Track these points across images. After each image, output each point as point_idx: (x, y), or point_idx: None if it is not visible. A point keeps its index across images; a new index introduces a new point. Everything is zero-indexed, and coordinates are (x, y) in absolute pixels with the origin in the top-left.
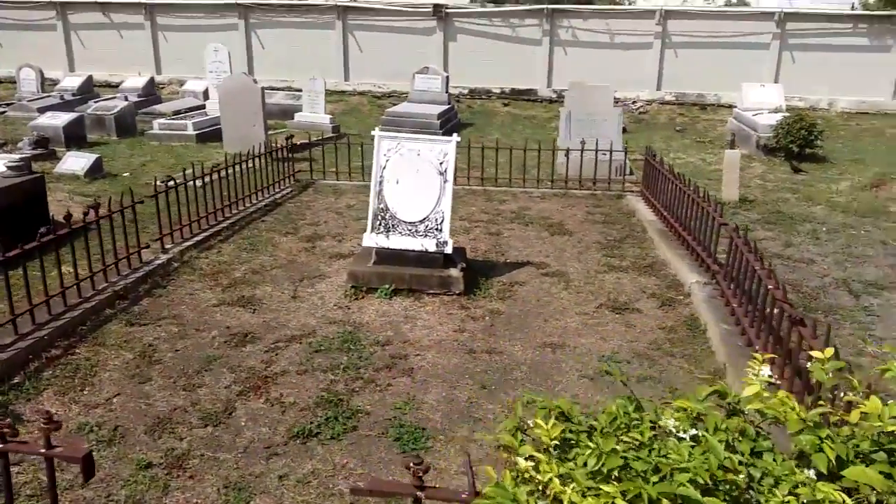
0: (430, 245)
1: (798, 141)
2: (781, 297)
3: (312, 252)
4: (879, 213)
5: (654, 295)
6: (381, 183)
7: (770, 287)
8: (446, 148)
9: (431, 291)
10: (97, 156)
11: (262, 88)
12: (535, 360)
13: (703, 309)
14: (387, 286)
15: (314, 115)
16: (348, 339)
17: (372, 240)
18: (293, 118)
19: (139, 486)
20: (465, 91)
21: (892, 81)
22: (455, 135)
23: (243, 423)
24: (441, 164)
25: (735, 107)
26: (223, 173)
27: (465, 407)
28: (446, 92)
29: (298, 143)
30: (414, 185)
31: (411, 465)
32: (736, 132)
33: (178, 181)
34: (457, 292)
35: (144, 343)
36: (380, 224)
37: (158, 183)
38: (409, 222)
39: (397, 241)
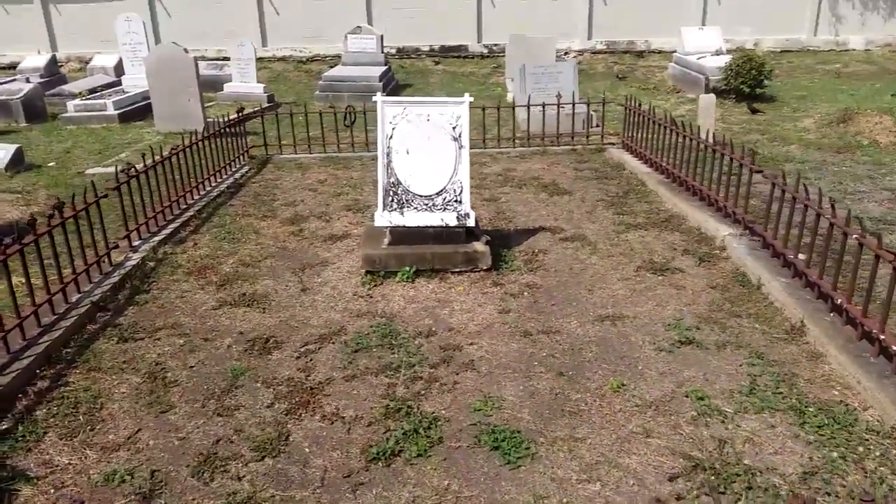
0: (450, 219)
1: (749, 82)
2: (872, 242)
3: (302, 236)
4: (854, 148)
5: (688, 251)
6: (388, 154)
7: (856, 235)
8: (458, 110)
9: (456, 270)
10: (17, 146)
11: (196, 59)
12: (599, 336)
13: (750, 263)
14: (407, 268)
15: (246, 84)
16: (386, 333)
17: (385, 219)
18: (222, 89)
19: None
20: (393, 50)
21: (812, 18)
22: (467, 95)
23: (307, 449)
24: (454, 128)
25: (675, 52)
26: (183, 155)
27: (550, 400)
28: (381, 52)
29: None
30: (426, 155)
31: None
32: (680, 77)
33: (139, 169)
34: (484, 268)
35: (149, 361)
36: (392, 200)
37: (119, 172)
38: (425, 196)
39: (413, 218)
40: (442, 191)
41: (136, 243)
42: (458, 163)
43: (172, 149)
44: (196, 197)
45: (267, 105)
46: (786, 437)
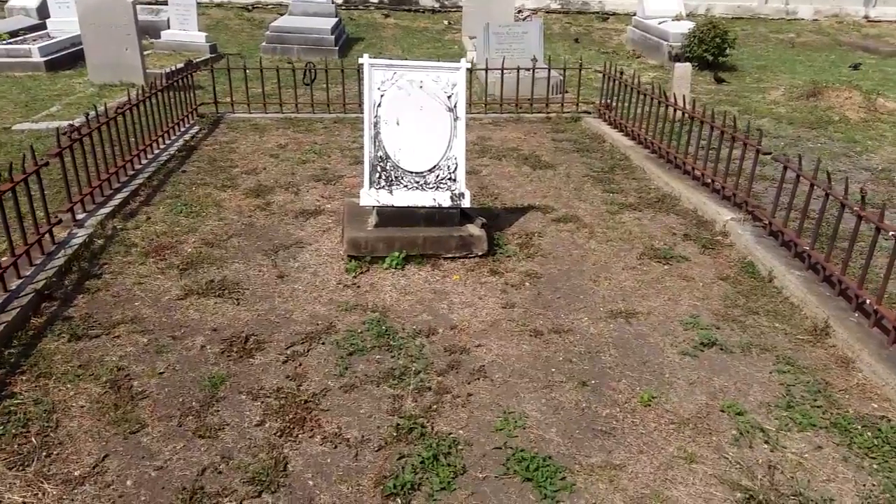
0: (443, 199)
1: (712, 50)
2: None
3: (270, 210)
4: (826, 123)
5: (688, 237)
6: (376, 125)
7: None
8: (454, 77)
9: (449, 256)
10: None
11: (134, 4)
12: (614, 336)
13: (758, 252)
14: (396, 253)
15: (186, 33)
16: (381, 331)
17: (372, 197)
18: (159, 37)
19: None
20: (340, 1)
21: None
22: (463, 60)
23: (311, 482)
24: (450, 97)
25: (632, 14)
26: (129, 113)
27: (578, 416)
28: (332, 3)
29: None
30: (418, 126)
31: None
32: (640, 42)
33: (83, 131)
34: (479, 254)
35: (109, 366)
36: (379, 177)
37: (61, 135)
38: (416, 172)
39: (403, 197)
40: (435, 167)
41: (80, 217)
42: (454, 136)
43: (119, 106)
44: (144, 161)
45: (210, 56)
46: (836, 460)
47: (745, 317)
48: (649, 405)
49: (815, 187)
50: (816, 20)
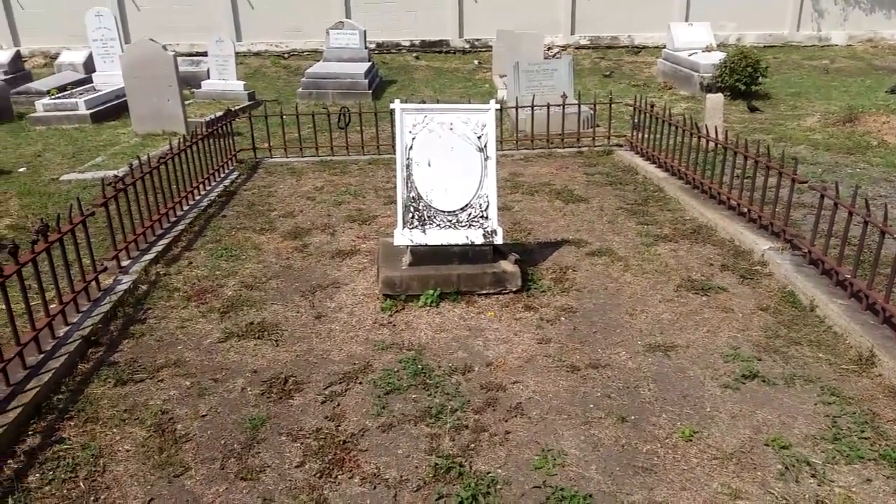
0: (476, 237)
1: (744, 79)
2: None
3: (307, 252)
4: (864, 149)
5: (726, 267)
6: (408, 167)
7: None
8: (484, 118)
9: (483, 292)
10: None
11: (175, 56)
12: (653, 370)
13: (798, 282)
14: (431, 291)
15: (225, 82)
16: (417, 369)
17: (405, 237)
18: (199, 87)
19: None
20: (373, 46)
21: (795, 13)
22: (493, 101)
23: None
24: (479, 137)
25: (661, 47)
26: (171, 162)
27: (618, 453)
28: (365, 48)
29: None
30: (450, 167)
31: None
32: (670, 74)
33: (127, 181)
34: (513, 290)
35: (154, 410)
36: (413, 217)
37: (106, 185)
38: (449, 211)
39: (436, 236)
40: (467, 206)
41: (125, 263)
42: (484, 175)
43: (162, 156)
44: (185, 208)
45: (248, 103)
46: (887, 493)
47: (788, 347)
48: (691, 440)
49: (854, 215)
50: (850, 45)
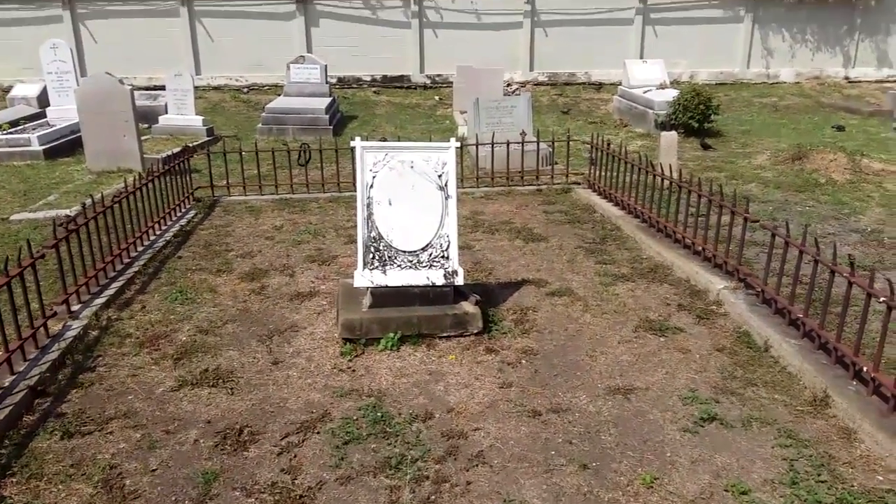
0: (437, 278)
1: (697, 116)
2: None
3: (265, 295)
4: (812, 187)
5: (683, 307)
6: (369, 206)
7: (883, 299)
8: (445, 157)
9: (444, 335)
10: None
11: (132, 90)
12: (613, 413)
13: (753, 321)
14: (392, 335)
15: (183, 117)
16: (377, 417)
17: (366, 278)
18: (157, 122)
19: None
20: (334, 80)
21: (745, 51)
22: (453, 139)
23: None
24: (440, 176)
25: (617, 84)
26: (125, 201)
27: (580, 502)
28: (326, 83)
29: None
30: (411, 206)
31: None
32: (626, 111)
33: (79, 220)
34: (475, 332)
35: (101, 464)
36: (373, 257)
37: (57, 226)
38: (410, 251)
39: (397, 277)
40: (428, 245)
41: (75, 308)
42: (445, 214)
43: (116, 195)
44: (140, 248)
45: (207, 139)
46: None
47: (744, 389)
48: (652, 487)
49: (804, 253)
50: (798, 83)
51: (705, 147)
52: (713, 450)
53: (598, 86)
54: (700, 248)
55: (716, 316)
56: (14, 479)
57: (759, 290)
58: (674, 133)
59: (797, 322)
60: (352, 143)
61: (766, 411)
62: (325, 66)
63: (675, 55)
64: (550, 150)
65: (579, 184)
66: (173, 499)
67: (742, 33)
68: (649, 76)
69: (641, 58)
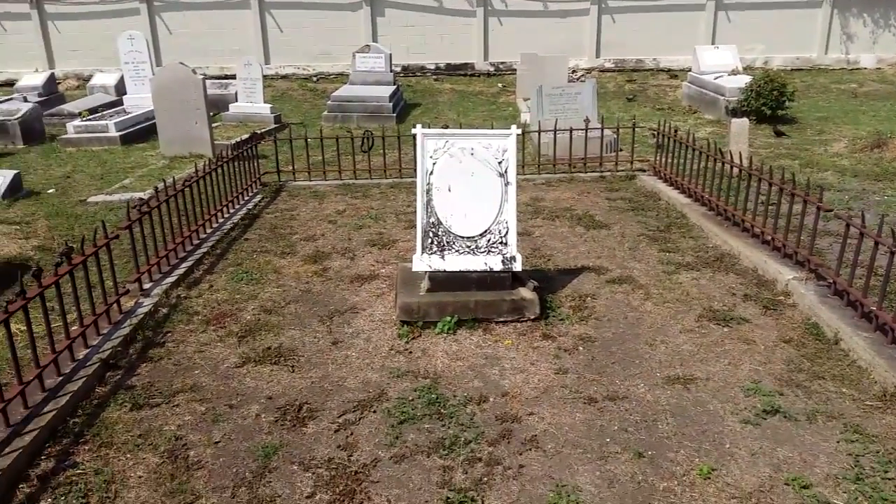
0: (495, 263)
1: (770, 103)
2: None
3: (326, 276)
4: (892, 176)
5: (748, 297)
6: (429, 192)
7: None
8: (505, 143)
9: (501, 320)
10: (15, 171)
11: (204, 79)
12: (671, 403)
13: (822, 313)
14: (448, 318)
15: (252, 105)
16: (432, 398)
17: (424, 262)
18: (227, 110)
19: None
20: (399, 69)
21: (823, 36)
22: (514, 126)
23: None
24: (500, 163)
25: (686, 70)
26: (196, 185)
27: (634, 490)
28: (391, 71)
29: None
30: (470, 192)
31: None
32: (696, 97)
33: (151, 203)
34: (531, 318)
35: (167, 435)
36: (432, 242)
37: (131, 208)
38: (468, 237)
39: (455, 262)
40: (486, 231)
41: (146, 286)
42: (504, 201)
43: (187, 179)
44: (209, 231)
45: (274, 126)
46: None
47: (810, 382)
48: (709, 478)
49: (880, 244)
50: (879, 69)
51: (778, 134)
52: (775, 443)
53: (667, 72)
54: (769, 238)
55: (783, 307)
56: (86, 447)
57: (831, 281)
58: (745, 120)
59: (870, 315)
60: (413, 131)
61: (833, 405)
62: (390, 54)
63: (748, 41)
64: (615, 136)
65: (644, 171)
66: (234, 470)
67: (820, 18)
68: (720, 62)
69: (713, 43)
